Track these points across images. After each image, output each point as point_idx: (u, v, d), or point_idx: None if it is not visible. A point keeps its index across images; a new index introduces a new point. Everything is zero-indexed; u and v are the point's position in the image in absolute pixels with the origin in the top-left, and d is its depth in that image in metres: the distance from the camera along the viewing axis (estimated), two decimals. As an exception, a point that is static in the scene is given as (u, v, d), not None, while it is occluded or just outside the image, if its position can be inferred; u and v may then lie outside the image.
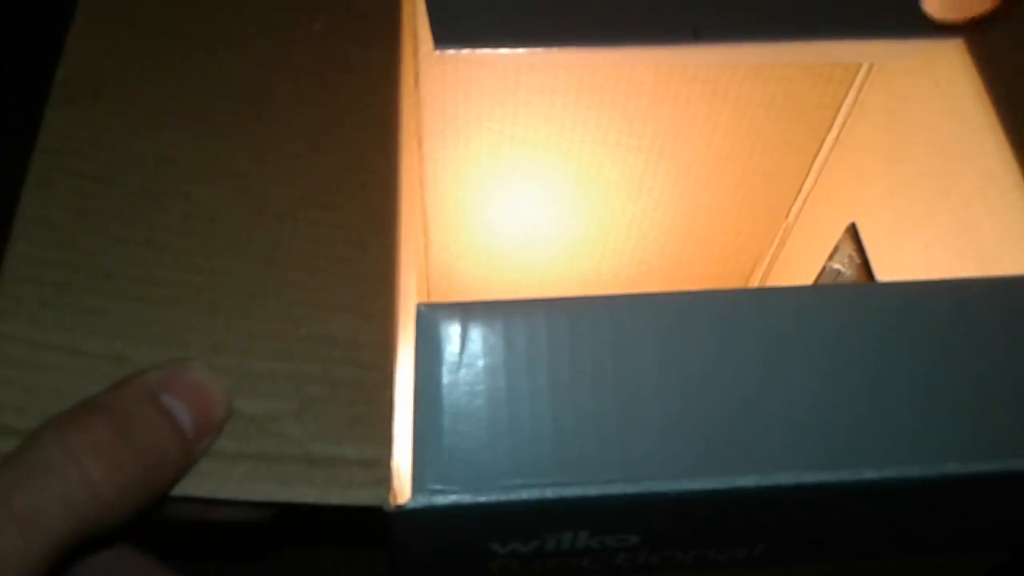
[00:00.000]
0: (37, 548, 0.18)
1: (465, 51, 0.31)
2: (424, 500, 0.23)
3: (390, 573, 0.43)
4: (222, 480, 0.21)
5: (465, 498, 0.23)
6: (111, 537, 0.21)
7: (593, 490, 0.23)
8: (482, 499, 0.23)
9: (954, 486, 0.24)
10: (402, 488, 0.23)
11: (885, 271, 0.39)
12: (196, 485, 0.21)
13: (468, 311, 0.24)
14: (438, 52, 0.31)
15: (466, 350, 0.24)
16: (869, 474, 0.24)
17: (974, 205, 0.32)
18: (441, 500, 0.23)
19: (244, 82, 0.28)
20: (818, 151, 0.43)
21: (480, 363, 0.24)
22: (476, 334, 0.24)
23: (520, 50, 0.31)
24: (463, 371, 0.24)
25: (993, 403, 0.24)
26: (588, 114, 0.40)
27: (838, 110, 0.41)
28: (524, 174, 0.43)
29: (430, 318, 0.24)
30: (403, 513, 0.23)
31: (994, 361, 0.24)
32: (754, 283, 0.49)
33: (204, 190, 0.25)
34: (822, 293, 0.26)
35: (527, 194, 0.44)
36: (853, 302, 0.25)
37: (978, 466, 0.24)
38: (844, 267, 0.41)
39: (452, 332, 0.24)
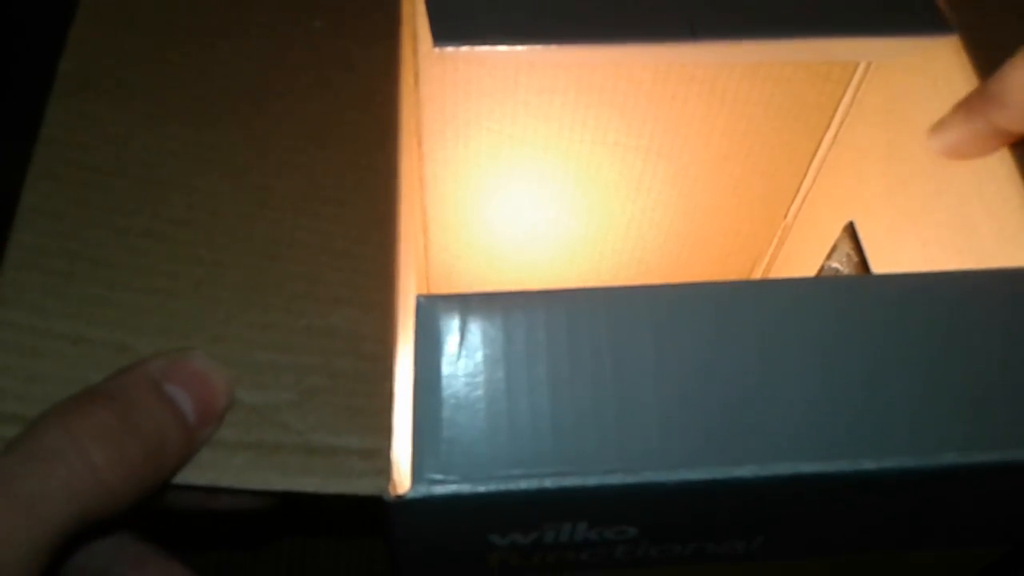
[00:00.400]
0: (39, 533, 0.18)
1: (464, 48, 0.31)
2: (423, 490, 0.23)
3: (389, 567, 0.43)
4: (223, 469, 0.21)
5: (464, 488, 0.23)
6: (113, 524, 0.21)
7: (592, 480, 0.23)
8: (481, 489, 0.23)
9: (952, 477, 0.24)
10: (402, 479, 0.23)
11: (883, 269, 0.39)
12: (197, 474, 0.21)
13: (467, 303, 0.24)
14: (437, 50, 0.31)
15: (465, 342, 0.24)
16: (867, 464, 0.24)
17: (971, 202, 0.33)
18: (440, 490, 0.23)
19: (244, 79, 0.28)
20: (816, 151, 0.43)
21: (479, 355, 0.24)
22: (475, 326, 0.24)
23: (519, 47, 0.31)
24: (462, 362, 0.24)
25: (991, 394, 0.24)
26: (587, 114, 0.40)
27: (836, 109, 0.41)
28: (523, 174, 0.43)
29: (430, 310, 0.24)
30: (402, 503, 0.23)
31: (992, 352, 0.25)
32: (753, 284, 0.50)
33: (205, 183, 0.25)
34: (820, 285, 0.26)
35: (526, 194, 0.44)
36: (851, 293, 0.25)
37: (976, 457, 0.24)
38: (842, 266, 0.42)
39: (451, 324, 0.24)
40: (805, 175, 0.45)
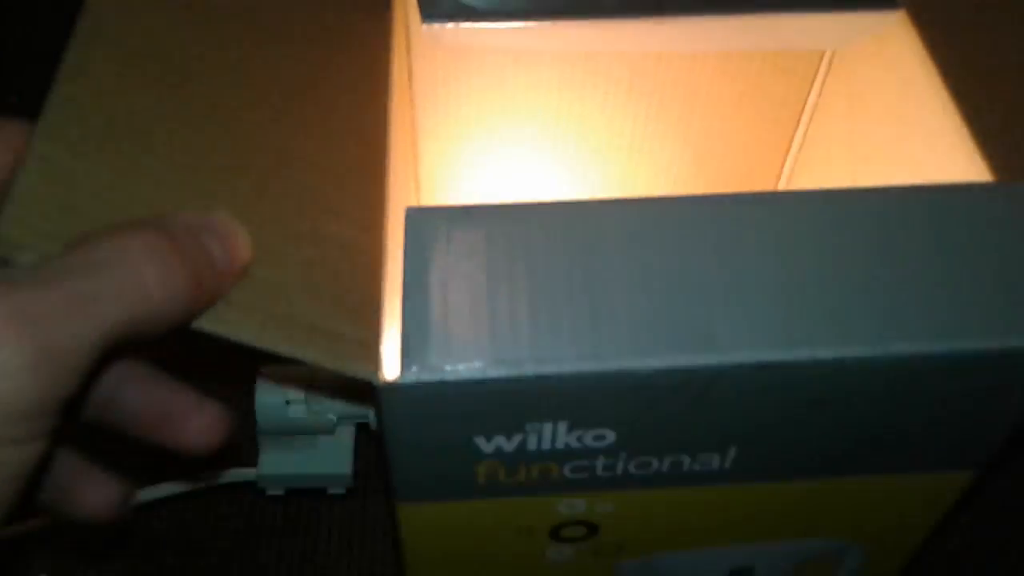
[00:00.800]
0: (93, 331, 0.20)
1: (451, 25, 0.34)
2: (411, 377, 0.25)
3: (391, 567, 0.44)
4: (239, 326, 0.23)
5: (450, 374, 0.25)
6: (141, 344, 0.22)
7: (568, 367, 0.25)
8: (465, 376, 0.25)
9: (903, 370, 0.26)
10: (391, 369, 0.25)
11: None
12: (217, 325, 0.23)
13: (453, 214, 0.27)
14: (426, 27, 0.34)
15: (451, 248, 0.26)
16: (825, 354, 0.25)
17: (926, 163, 0.35)
18: (427, 376, 0.25)
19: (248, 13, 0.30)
20: (788, 148, 0.46)
21: (463, 259, 0.26)
22: (460, 234, 0.26)
23: (502, 25, 0.34)
24: (448, 266, 0.26)
25: (936, 292, 0.26)
26: (570, 112, 0.43)
27: (804, 105, 0.44)
28: (514, 172, 0.46)
29: (419, 220, 0.26)
30: (392, 388, 0.25)
31: (937, 255, 0.27)
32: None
33: (231, 94, 0.27)
34: (775, 198, 0.28)
35: (518, 195, 0.47)
36: (809, 204, 0.27)
37: (923, 347, 0.26)
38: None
39: (439, 232, 0.26)
40: (780, 174, 0.47)
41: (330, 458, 0.44)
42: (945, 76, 0.34)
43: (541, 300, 0.26)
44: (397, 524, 0.32)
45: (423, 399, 0.25)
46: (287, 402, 0.41)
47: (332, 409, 0.42)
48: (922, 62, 0.35)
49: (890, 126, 0.38)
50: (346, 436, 0.44)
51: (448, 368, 0.25)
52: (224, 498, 0.48)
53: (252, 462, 0.46)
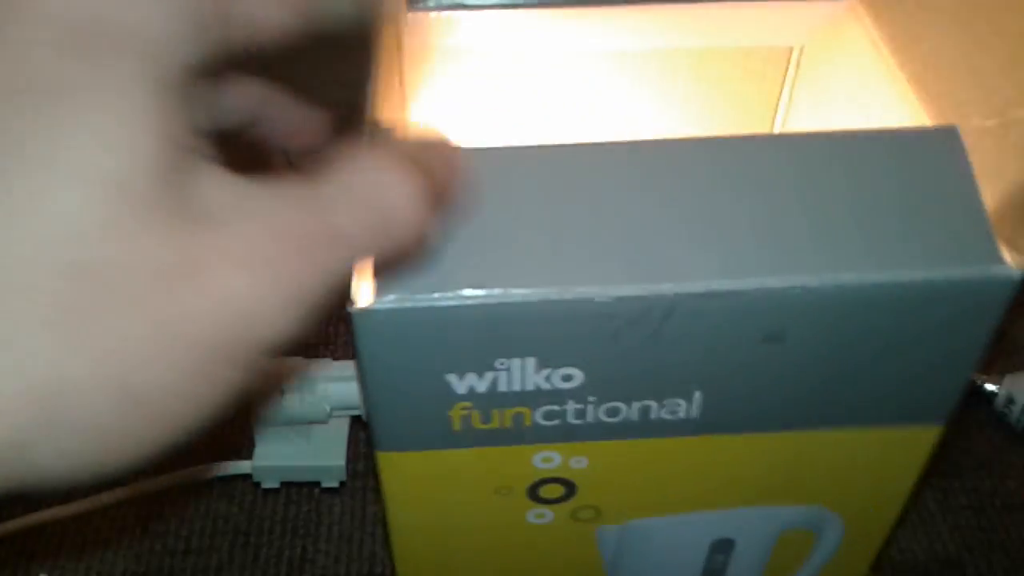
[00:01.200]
0: (337, 283, 0.21)
1: (432, 14, 0.37)
2: (384, 304, 0.26)
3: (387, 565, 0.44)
4: None
5: (421, 301, 0.26)
6: None
7: (531, 295, 0.27)
8: (436, 304, 0.26)
9: (850, 301, 0.27)
10: (365, 299, 0.27)
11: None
12: None
13: None
14: (411, 14, 0.36)
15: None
16: (772, 283, 0.27)
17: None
18: (400, 304, 0.26)
19: None
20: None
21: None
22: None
23: (483, 13, 0.37)
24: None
25: (880, 226, 0.28)
26: (550, 114, 0.45)
27: (776, 108, 0.46)
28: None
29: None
30: (366, 314, 0.26)
31: (878, 191, 0.28)
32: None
33: None
34: (728, 143, 0.29)
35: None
36: (755, 147, 0.29)
37: (866, 277, 0.27)
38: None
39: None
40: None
41: (324, 450, 0.45)
42: (899, 61, 0.36)
43: (507, 233, 0.27)
44: (382, 490, 0.33)
45: (396, 326, 0.27)
46: (282, 391, 0.43)
47: (326, 400, 0.44)
48: (876, 49, 0.37)
49: (853, 118, 0.40)
50: (339, 429, 0.46)
51: (419, 296, 0.26)
52: (224, 498, 0.49)
53: (248, 456, 0.47)
